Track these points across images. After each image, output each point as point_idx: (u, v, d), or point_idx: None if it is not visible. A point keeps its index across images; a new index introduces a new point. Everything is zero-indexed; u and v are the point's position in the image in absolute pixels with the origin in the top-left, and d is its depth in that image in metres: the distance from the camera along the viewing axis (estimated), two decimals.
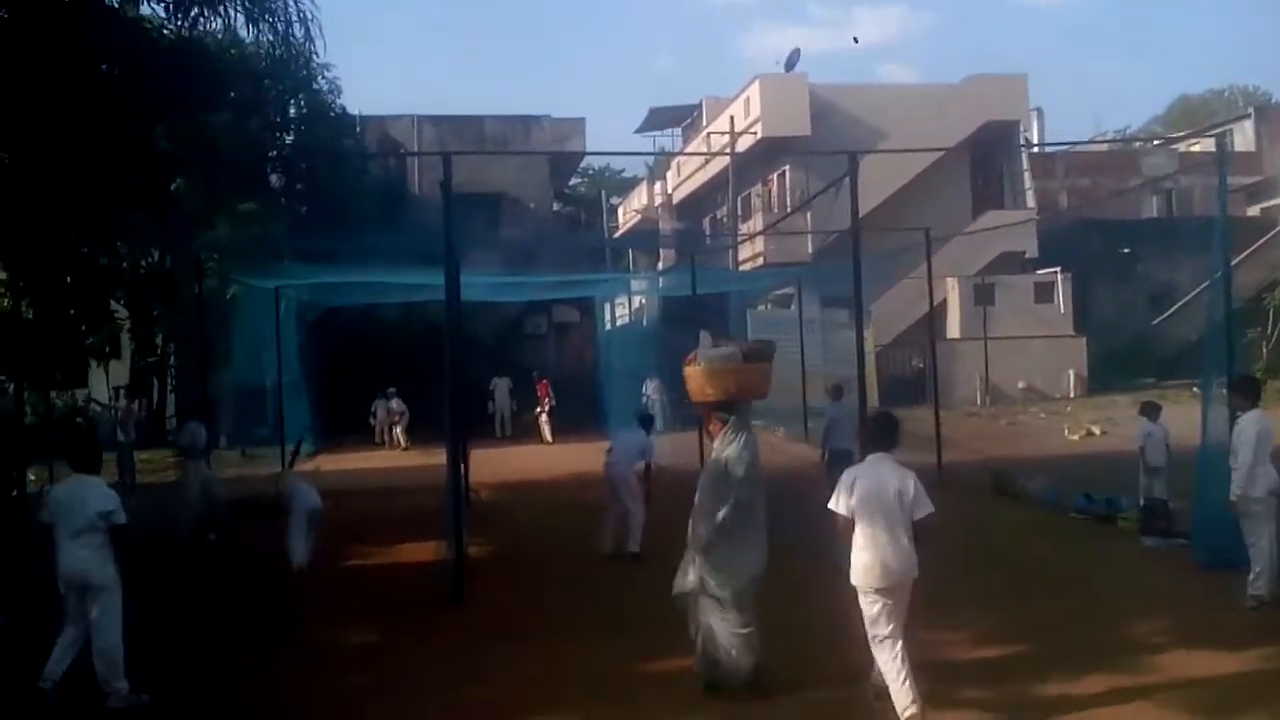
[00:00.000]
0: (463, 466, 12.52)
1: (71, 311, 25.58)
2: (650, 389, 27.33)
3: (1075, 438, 23.33)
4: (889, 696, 6.35)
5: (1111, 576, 10.21)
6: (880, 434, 6.83)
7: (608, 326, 33.51)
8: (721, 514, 7.12)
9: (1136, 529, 11.85)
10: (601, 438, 26.91)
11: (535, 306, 33.26)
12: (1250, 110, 52.37)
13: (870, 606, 6.46)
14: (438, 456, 11.35)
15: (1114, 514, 12.90)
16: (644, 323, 32.64)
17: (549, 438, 27.85)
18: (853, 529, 6.47)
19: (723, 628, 7.05)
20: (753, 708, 6.96)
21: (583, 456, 23.90)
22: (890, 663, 6.35)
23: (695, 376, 7.50)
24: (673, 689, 7.38)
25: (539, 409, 28.51)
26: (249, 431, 24.22)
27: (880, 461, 6.61)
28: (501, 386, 29.71)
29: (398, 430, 27.19)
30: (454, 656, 8.45)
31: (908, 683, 6.27)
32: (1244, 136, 48.28)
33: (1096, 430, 23.58)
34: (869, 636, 6.47)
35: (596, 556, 12.08)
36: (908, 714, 6.21)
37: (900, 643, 6.39)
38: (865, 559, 6.46)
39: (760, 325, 30.45)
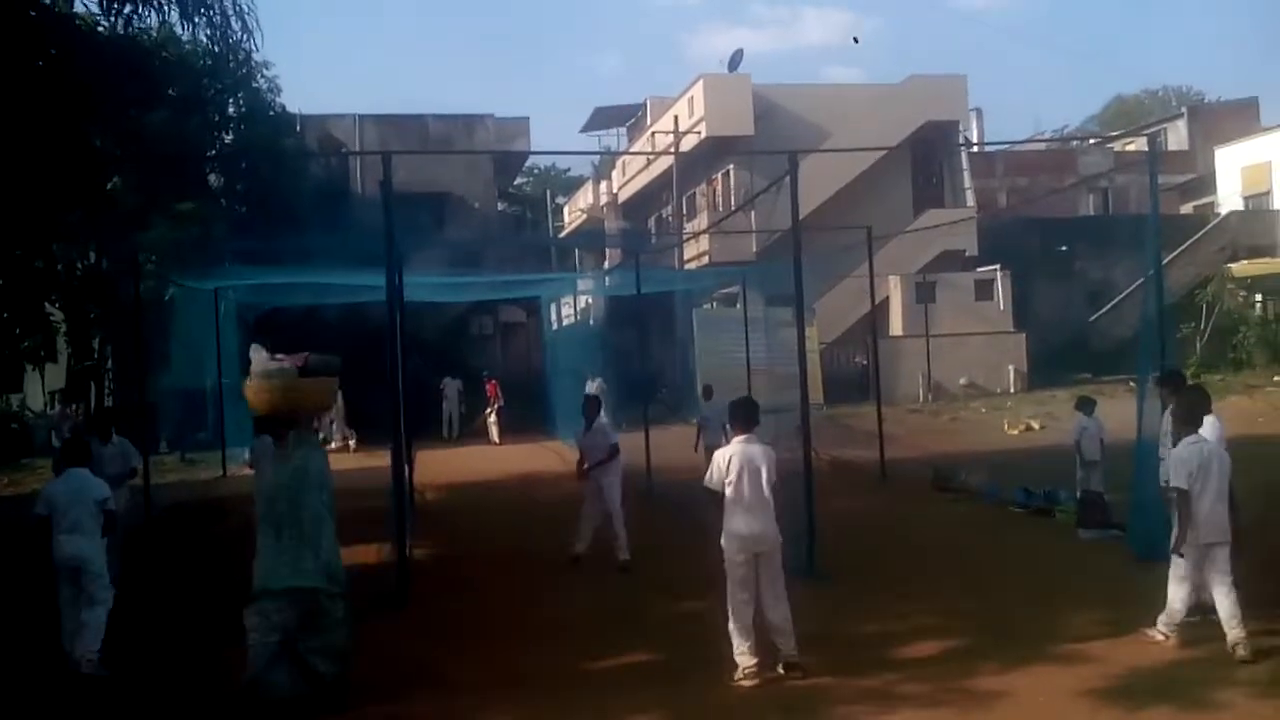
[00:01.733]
0: (408, 467, 12.45)
1: (4, 315, 25.03)
2: (593, 389, 27.32)
3: (1015, 433, 23.70)
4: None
5: (1049, 568, 10.40)
6: (744, 417, 7.63)
7: (554, 327, 33.49)
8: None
9: (1074, 521, 12.08)
10: (548, 438, 27.13)
11: (481, 307, 33.12)
12: (1183, 110, 53.53)
13: (735, 570, 7.31)
14: (381, 458, 11.25)
15: (1052, 507, 13.16)
16: (590, 322, 32.66)
17: (497, 439, 27.73)
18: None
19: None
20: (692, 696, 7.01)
21: (530, 457, 23.95)
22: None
23: (250, 391, 7.70)
24: (621, 687, 7.43)
25: (488, 409, 28.36)
26: (189, 436, 23.87)
27: (746, 442, 7.44)
28: (451, 387, 29.49)
29: (333, 428, 26.72)
30: (399, 659, 8.40)
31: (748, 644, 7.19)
32: (1177, 136, 49.33)
33: (1036, 425, 23.97)
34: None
35: (542, 558, 12.07)
36: (745, 670, 7.14)
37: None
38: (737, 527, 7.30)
39: (705, 324, 30.64)
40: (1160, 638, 7.67)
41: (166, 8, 12.64)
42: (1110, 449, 12.43)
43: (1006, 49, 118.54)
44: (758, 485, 7.26)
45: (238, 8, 12.80)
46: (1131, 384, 16.65)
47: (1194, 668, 7.18)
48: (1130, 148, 47.53)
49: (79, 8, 14.67)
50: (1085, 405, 13.27)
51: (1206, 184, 42.16)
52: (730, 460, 7.34)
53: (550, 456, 24.15)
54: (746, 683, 7.15)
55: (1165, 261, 15.35)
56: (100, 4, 13.22)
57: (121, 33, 14.98)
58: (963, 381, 32.60)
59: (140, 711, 7.68)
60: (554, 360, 29.77)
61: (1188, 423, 7.83)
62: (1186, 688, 6.81)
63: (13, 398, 29.71)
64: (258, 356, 7.68)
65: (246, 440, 21.06)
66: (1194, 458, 7.46)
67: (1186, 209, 42.54)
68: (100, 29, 15.05)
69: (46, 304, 26.46)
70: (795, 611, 7.37)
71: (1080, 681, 6.99)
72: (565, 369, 28.15)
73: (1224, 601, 7.30)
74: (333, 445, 26.67)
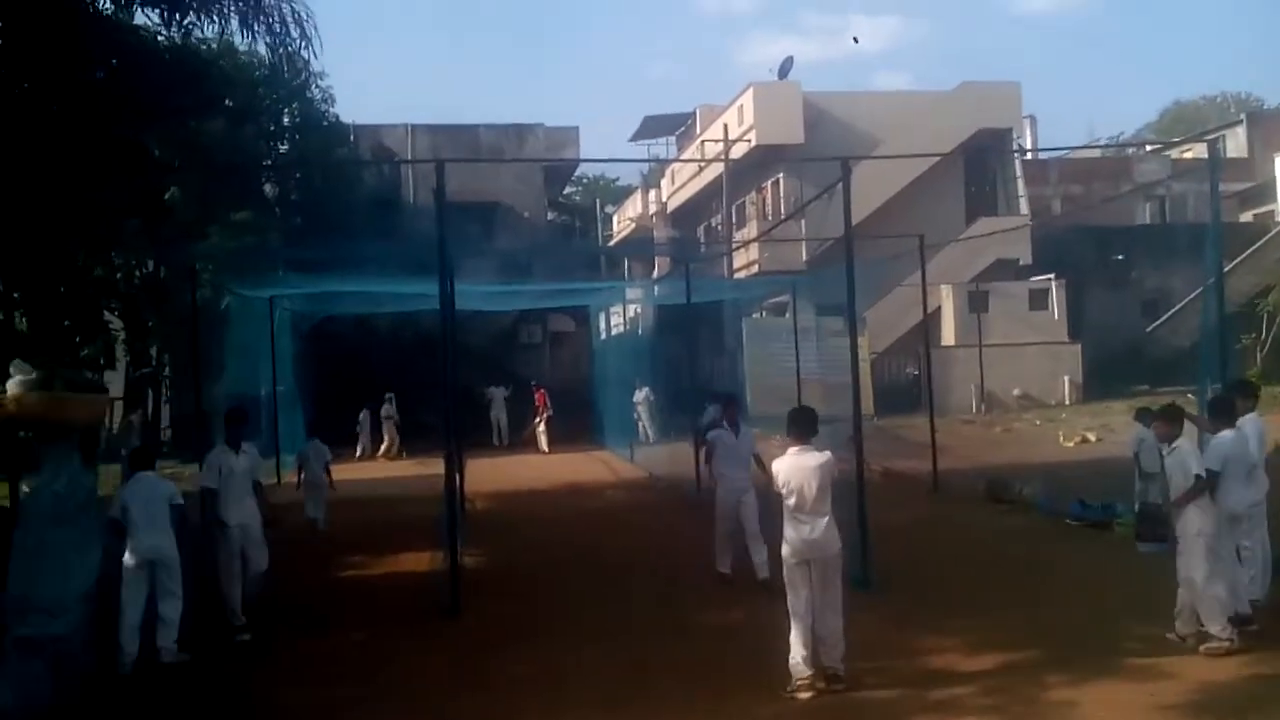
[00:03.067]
0: (459, 476, 12.50)
1: (66, 323, 25.48)
2: (640, 398, 27.36)
3: (1070, 444, 23.36)
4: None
5: (1109, 581, 10.20)
6: (799, 427, 7.60)
7: (603, 336, 33.54)
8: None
9: (1133, 534, 11.85)
10: (597, 447, 27.15)
11: (530, 315, 33.24)
12: (1242, 116, 52.54)
13: (792, 577, 7.36)
14: (433, 466, 11.30)
15: (1110, 520, 12.91)
16: (639, 332, 32.67)
17: (545, 448, 27.80)
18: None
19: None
20: (757, 707, 6.95)
21: (579, 466, 23.99)
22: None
23: (13, 403, 7.21)
24: (671, 692, 7.39)
25: (536, 419, 28.45)
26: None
27: (801, 452, 7.44)
28: (497, 396, 29.62)
29: (386, 437, 26.97)
30: (450, 665, 8.43)
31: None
32: (1236, 142, 48.44)
33: (1092, 437, 23.59)
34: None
35: (591, 566, 12.05)
36: (797, 681, 7.11)
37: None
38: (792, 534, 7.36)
39: (755, 333, 30.57)
40: (1225, 643, 7.52)
41: (226, 16, 12.80)
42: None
43: (1061, 55, 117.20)
44: (814, 494, 7.24)
45: (296, 15, 12.97)
46: (1190, 395, 16.32)
47: (1273, 684, 6.99)
48: (1188, 155, 46.72)
49: (140, 19, 14.94)
50: (1144, 416, 12.97)
51: (1266, 191, 41.37)
52: (786, 470, 7.37)
53: (599, 466, 24.18)
54: (801, 694, 7.06)
55: (1225, 270, 15.05)
56: (161, 15, 13.44)
57: (180, 44, 15.26)
58: (1016, 392, 32.18)
59: (223, 692, 8.19)
60: (602, 369, 29.81)
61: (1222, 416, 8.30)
62: (1255, 707, 6.63)
63: None
64: (15, 372, 7.20)
65: (300, 448, 21.35)
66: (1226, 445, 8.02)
67: (1246, 217, 41.75)
68: (160, 39, 15.32)
69: (106, 312, 26.97)
70: (851, 622, 7.28)
71: (1152, 698, 6.81)
72: (614, 378, 28.18)
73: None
74: (381, 451, 26.95)
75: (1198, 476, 7.79)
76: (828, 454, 7.40)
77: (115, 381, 30.03)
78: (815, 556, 7.28)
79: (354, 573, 12.71)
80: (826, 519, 7.28)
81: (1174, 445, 8.09)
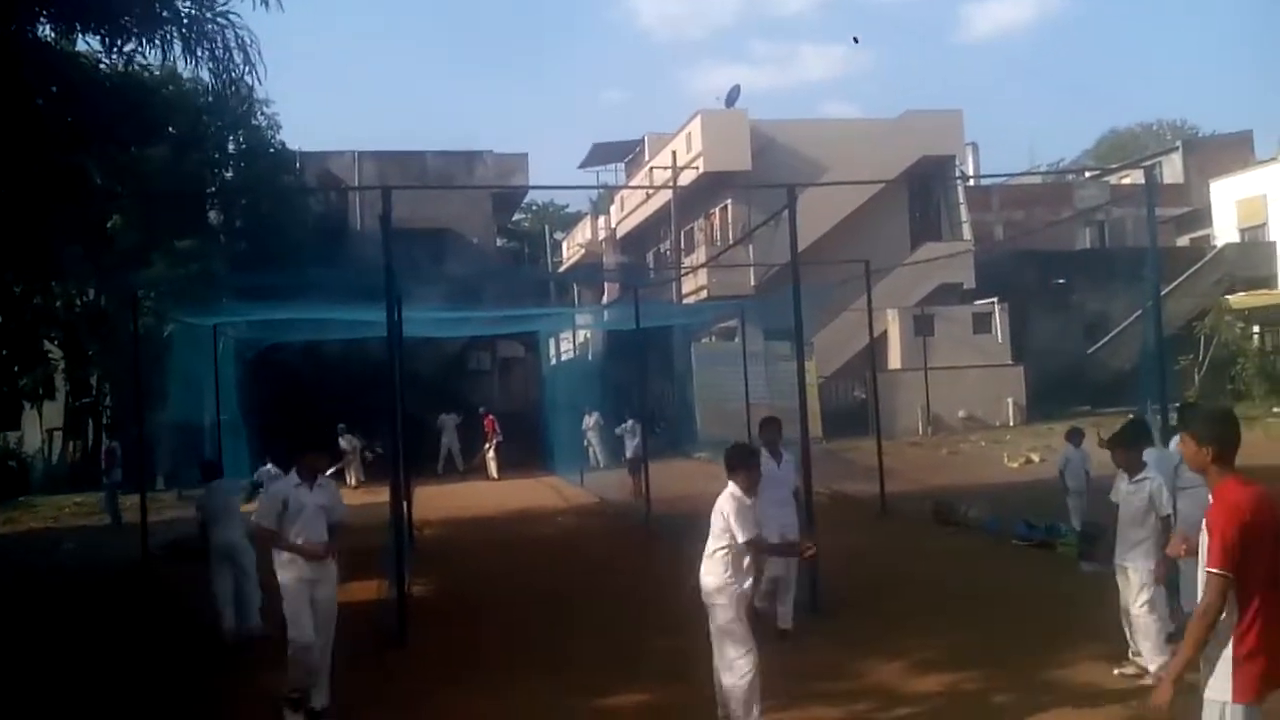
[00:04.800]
0: (406, 504, 12.40)
1: (3, 352, 25.04)
2: (589, 423, 27.35)
3: (1015, 465, 23.66)
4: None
5: (1054, 603, 10.32)
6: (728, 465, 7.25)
7: (552, 361, 33.49)
8: None
9: (1076, 554, 12.02)
10: (546, 473, 27.09)
11: (479, 342, 33.15)
12: (1178, 143, 53.87)
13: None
14: (381, 494, 11.20)
15: (1054, 540, 13.11)
16: (589, 357, 32.68)
17: (495, 474, 27.66)
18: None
19: None
20: None
21: (529, 492, 23.91)
22: None
23: None
24: None
25: (486, 445, 28.31)
26: (186, 472, 23.80)
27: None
28: (449, 423, 29.45)
29: (349, 470, 26.58)
30: (399, 697, 8.34)
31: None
32: (1173, 169, 49.63)
33: (1036, 458, 23.91)
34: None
35: (541, 594, 11.99)
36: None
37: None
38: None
39: (704, 358, 30.68)
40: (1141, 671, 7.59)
41: (169, 42, 12.67)
42: (1093, 480, 12.44)
43: (1001, 84, 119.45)
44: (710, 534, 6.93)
45: (240, 40, 12.87)
46: (1130, 416, 16.63)
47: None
48: (1126, 181, 47.80)
49: (81, 45, 14.76)
50: (1074, 436, 13.65)
51: (1202, 216, 42.34)
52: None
53: (549, 492, 24.11)
54: None
55: (1163, 294, 15.39)
56: (102, 41, 13.29)
57: (123, 70, 15.09)
58: (962, 414, 32.57)
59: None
60: (552, 395, 29.78)
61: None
62: None
63: (10, 435, 29.62)
64: None
65: (245, 477, 20.83)
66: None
67: (1183, 241, 42.71)
68: (102, 66, 15.15)
69: (46, 341, 26.49)
70: (799, 644, 7.31)
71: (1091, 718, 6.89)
72: (563, 404, 28.16)
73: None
74: (350, 484, 26.45)
75: (1168, 517, 7.57)
76: (728, 492, 6.95)
77: (54, 412, 29.54)
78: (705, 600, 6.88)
79: None
80: (708, 561, 6.90)
81: (1141, 477, 7.74)
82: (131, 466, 19.95)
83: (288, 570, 7.68)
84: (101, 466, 22.29)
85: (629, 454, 22.04)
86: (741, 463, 7.02)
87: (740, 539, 6.73)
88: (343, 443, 26.73)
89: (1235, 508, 4.34)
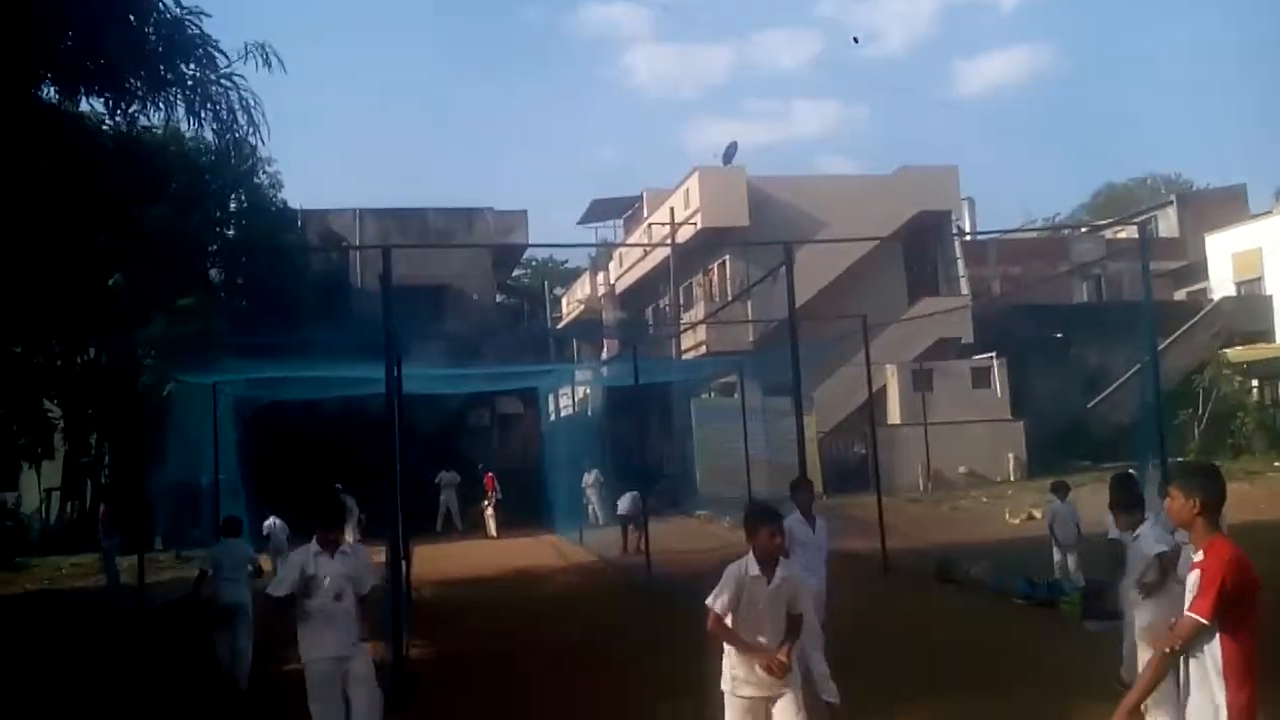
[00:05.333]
0: (404, 564, 12.31)
1: (1, 411, 24.96)
2: (589, 480, 27.25)
3: (1016, 521, 23.53)
4: None
5: (1060, 663, 10.21)
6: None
7: (551, 418, 33.44)
8: None
9: (1079, 613, 11.93)
10: (546, 531, 26.94)
11: (479, 398, 33.09)
12: (1172, 198, 54.27)
13: None
14: (378, 555, 11.12)
15: (1056, 598, 13.01)
16: (588, 413, 32.63)
17: (494, 532, 27.50)
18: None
19: None
20: None
21: (528, 551, 23.75)
22: None
23: None
24: None
25: (485, 502, 28.18)
26: (184, 532, 23.68)
27: None
28: (448, 481, 29.35)
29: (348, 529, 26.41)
30: None
31: None
32: (1168, 223, 49.96)
33: (1037, 514, 23.72)
34: None
35: (542, 655, 11.86)
36: None
37: None
38: None
39: (704, 414, 30.64)
40: None
41: (173, 104, 12.82)
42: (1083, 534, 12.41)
43: (995, 139, 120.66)
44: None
45: (244, 103, 13.01)
46: (1131, 471, 16.57)
47: None
48: (1121, 235, 48.08)
49: (84, 107, 14.93)
50: (1059, 489, 13.71)
51: (1198, 270, 42.54)
52: None
53: (548, 550, 23.95)
54: None
55: (1160, 348, 15.44)
56: (106, 103, 13.44)
57: (125, 131, 15.25)
58: (962, 469, 32.47)
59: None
60: (552, 452, 29.70)
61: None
62: None
63: (8, 495, 29.48)
64: None
65: (243, 538, 20.72)
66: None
67: (1180, 295, 42.86)
68: (105, 127, 15.31)
69: (45, 400, 26.45)
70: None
71: None
72: (563, 461, 28.08)
73: None
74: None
75: (1158, 555, 7.41)
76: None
77: (52, 471, 29.43)
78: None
79: (296, 666, 12.38)
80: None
81: (1138, 532, 7.65)
82: (127, 527, 19.89)
83: (313, 647, 7.01)
84: (99, 527, 22.18)
85: (621, 510, 21.90)
86: (757, 524, 5.83)
87: (709, 604, 5.82)
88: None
89: (1232, 561, 4.47)
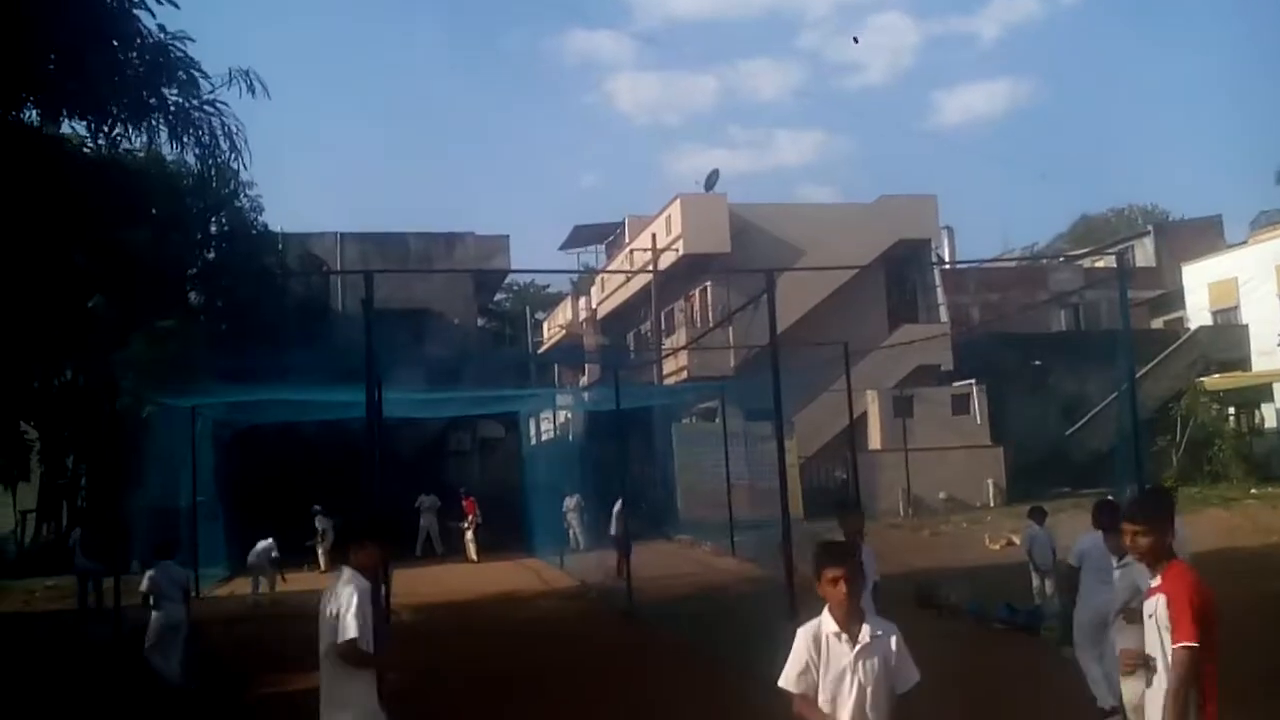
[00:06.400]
0: (384, 588, 12.23)
1: None
2: (570, 504, 27.19)
3: (996, 547, 23.59)
4: None
5: (1041, 690, 10.23)
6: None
7: (532, 442, 33.38)
8: None
9: (1058, 639, 11.94)
10: (527, 555, 26.81)
11: (460, 422, 33.01)
12: (1149, 228, 54.79)
13: None
14: None
15: (1036, 624, 13.04)
16: (569, 438, 32.59)
17: (475, 556, 27.36)
18: None
19: None
20: None
21: (509, 575, 23.63)
22: None
23: None
24: None
25: (465, 526, 28.05)
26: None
27: None
28: (428, 505, 29.20)
29: (320, 551, 26.20)
30: None
31: None
32: (1145, 252, 50.41)
33: (1017, 539, 23.75)
34: None
35: (524, 681, 11.80)
36: None
37: None
38: None
39: (685, 439, 30.66)
40: None
41: (155, 129, 12.82)
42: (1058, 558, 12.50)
43: (975, 169, 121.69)
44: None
45: (227, 128, 13.03)
46: (1110, 497, 16.67)
47: None
48: (1099, 264, 48.50)
49: (65, 128, 14.91)
50: (1037, 515, 13.88)
51: (1175, 299, 42.90)
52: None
53: (529, 575, 23.86)
54: None
55: (1138, 375, 15.57)
56: (88, 126, 13.44)
57: (106, 153, 15.23)
58: (942, 495, 32.55)
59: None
60: (533, 476, 29.64)
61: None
62: None
63: None
64: None
65: (220, 561, 20.85)
66: None
67: (1157, 324, 43.21)
68: (86, 150, 15.29)
69: (21, 422, 26.24)
70: None
71: None
72: (544, 485, 28.01)
73: None
74: (322, 567, 26.07)
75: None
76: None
77: (27, 493, 29.16)
78: None
79: (273, 690, 12.29)
80: None
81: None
82: (101, 550, 19.71)
83: (363, 698, 6.12)
84: (76, 551, 21.99)
85: (613, 531, 21.76)
86: (817, 565, 4.65)
87: (782, 685, 4.57)
88: (317, 523, 26.38)
89: (1196, 582, 4.53)
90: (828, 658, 4.46)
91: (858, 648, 4.49)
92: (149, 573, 11.80)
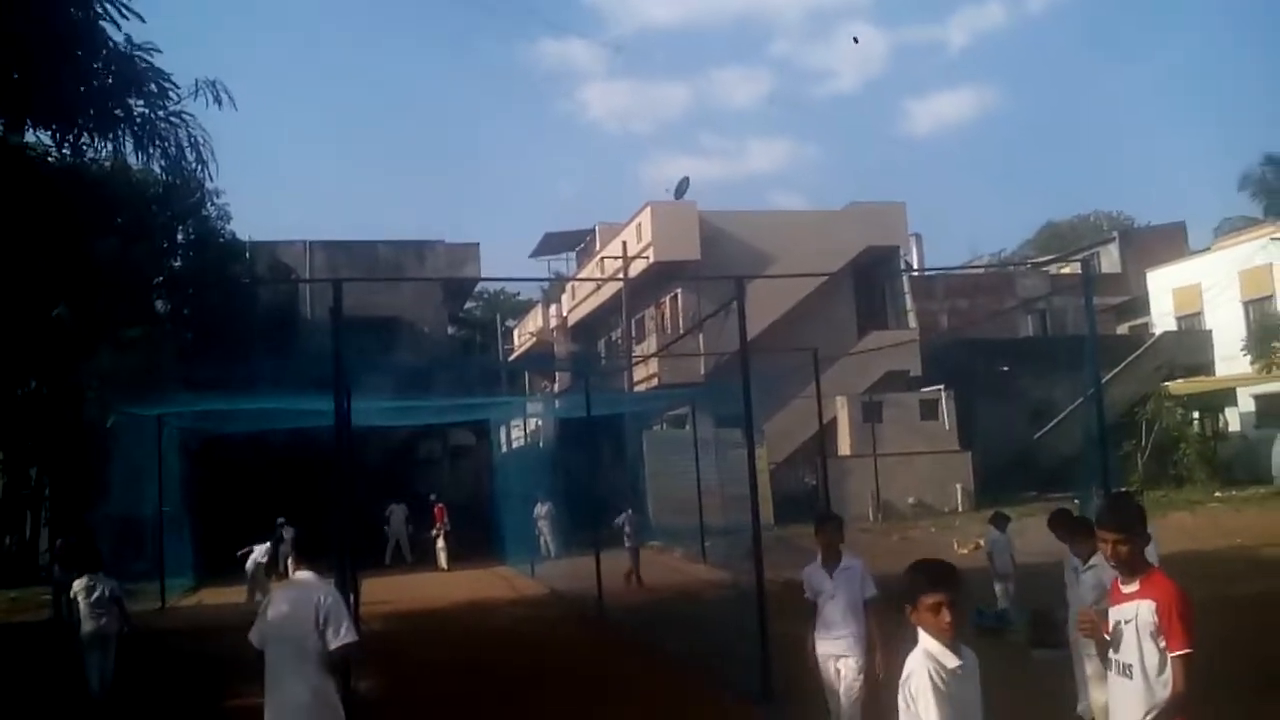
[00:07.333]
0: (352, 596, 12.17)
1: None
2: (541, 512, 27.14)
3: (964, 551, 23.69)
4: None
5: (1009, 691, 10.25)
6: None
7: (503, 450, 33.30)
8: None
9: (1026, 641, 12.06)
10: (498, 563, 26.72)
11: (430, 431, 32.88)
12: (1115, 234, 55.36)
13: None
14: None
15: (1003, 627, 13.15)
16: (540, 445, 32.54)
17: (445, 564, 27.26)
18: None
19: None
20: None
21: (479, 583, 23.56)
22: None
23: None
24: None
25: (435, 533, 27.93)
26: (126, 566, 23.26)
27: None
28: (397, 513, 29.04)
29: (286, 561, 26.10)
30: None
31: None
32: (1110, 259, 50.91)
33: (984, 543, 23.99)
34: None
35: (495, 691, 11.78)
36: None
37: None
38: None
39: (656, 445, 30.68)
40: None
41: (121, 139, 12.74)
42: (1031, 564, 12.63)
43: (943, 176, 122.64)
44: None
45: (193, 139, 12.97)
46: (1076, 501, 16.82)
47: None
48: (1065, 271, 48.93)
49: (30, 137, 14.78)
50: (999, 520, 14.04)
51: (1140, 305, 43.34)
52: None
53: (499, 583, 23.79)
54: None
55: (1104, 380, 15.74)
56: (52, 135, 13.32)
57: (71, 162, 15.11)
58: (911, 500, 32.72)
59: None
60: (503, 484, 29.56)
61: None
62: None
63: None
64: None
65: (186, 571, 20.71)
66: None
67: (1122, 329, 43.63)
68: (50, 159, 15.16)
69: None
70: None
71: None
72: (515, 492, 27.94)
73: None
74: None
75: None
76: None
77: None
78: None
79: (240, 702, 12.18)
80: None
81: (1092, 561, 7.70)
82: (81, 562, 19.51)
83: (336, 698, 6.24)
84: (54, 562, 21.79)
85: (627, 544, 21.54)
86: (914, 591, 4.38)
87: None
88: (284, 534, 26.18)
89: (1180, 589, 4.52)
90: (956, 694, 4.05)
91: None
92: (81, 581, 11.74)
